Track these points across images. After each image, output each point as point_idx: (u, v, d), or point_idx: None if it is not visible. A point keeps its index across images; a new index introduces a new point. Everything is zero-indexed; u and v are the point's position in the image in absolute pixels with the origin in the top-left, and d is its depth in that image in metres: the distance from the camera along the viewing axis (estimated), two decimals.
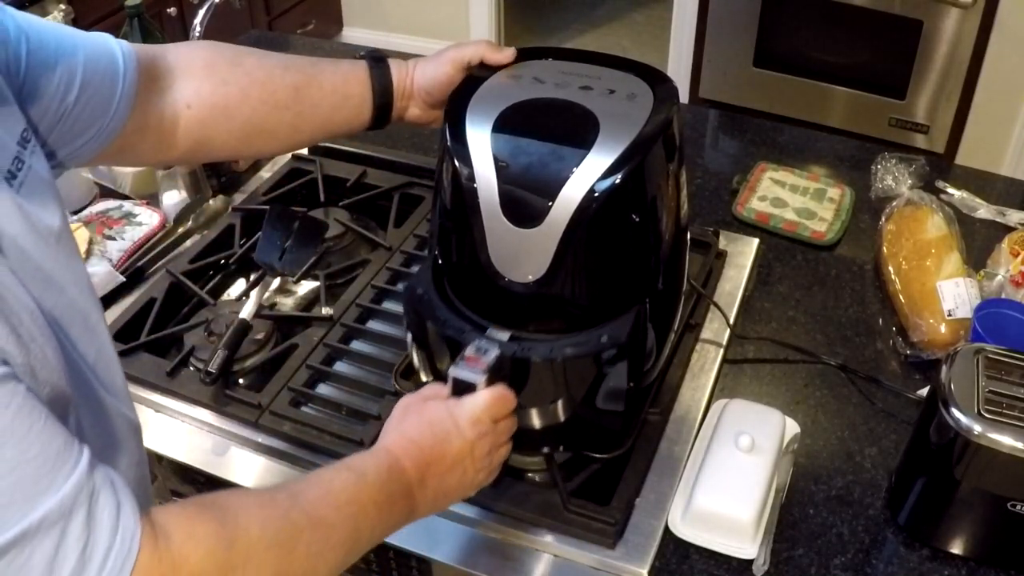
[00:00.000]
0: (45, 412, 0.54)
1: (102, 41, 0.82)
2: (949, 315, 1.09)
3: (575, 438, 0.94)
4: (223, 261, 1.28)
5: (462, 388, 0.80)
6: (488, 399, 0.80)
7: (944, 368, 0.87)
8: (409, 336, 0.92)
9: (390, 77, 0.98)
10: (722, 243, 1.26)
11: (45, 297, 0.61)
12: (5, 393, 0.51)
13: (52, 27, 0.77)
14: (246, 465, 1.02)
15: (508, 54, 0.92)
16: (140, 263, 1.26)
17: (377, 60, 0.98)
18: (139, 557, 0.54)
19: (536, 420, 0.89)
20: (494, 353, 0.81)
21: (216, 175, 1.43)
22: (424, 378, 0.93)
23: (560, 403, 0.88)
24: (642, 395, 1.00)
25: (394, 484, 0.73)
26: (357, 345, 1.13)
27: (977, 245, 1.27)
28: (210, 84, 0.89)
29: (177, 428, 1.05)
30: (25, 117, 0.70)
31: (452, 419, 0.78)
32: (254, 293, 1.16)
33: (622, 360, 0.84)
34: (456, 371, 0.80)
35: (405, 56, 1.04)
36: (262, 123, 0.92)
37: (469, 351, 0.81)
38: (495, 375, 0.80)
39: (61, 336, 0.62)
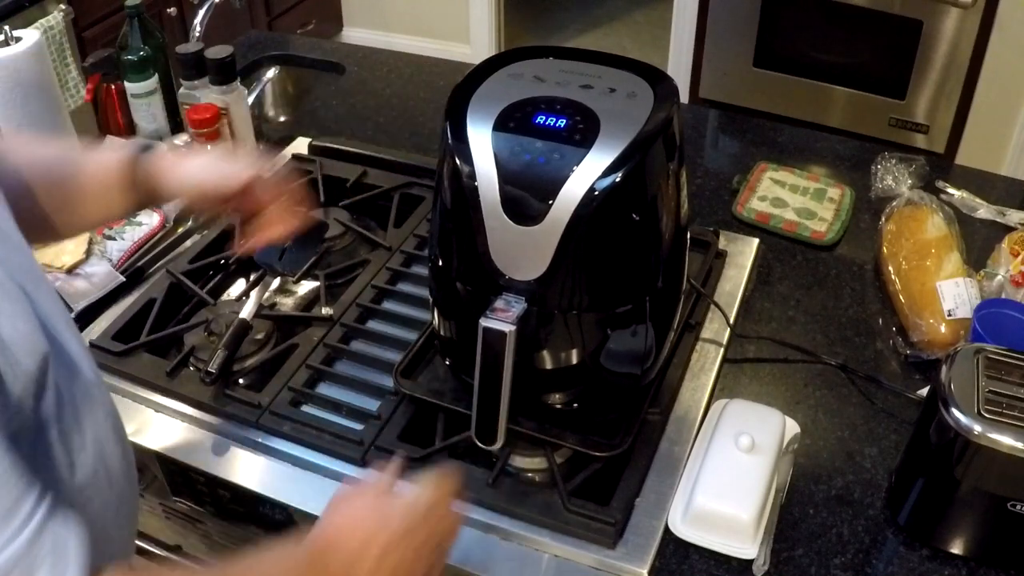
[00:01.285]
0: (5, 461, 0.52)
1: None
2: (949, 315, 1.09)
3: (593, 397, 0.96)
4: (223, 261, 1.28)
5: (492, 338, 0.82)
6: (427, 495, 0.78)
7: (944, 368, 0.87)
8: (432, 305, 0.94)
9: (152, 174, 0.95)
10: (722, 243, 1.26)
11: (9, 258, 0.62)
12: None
13: None
14: (246, 465, 1.02)
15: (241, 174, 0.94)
16: (140, 263, 1.26)
17: (144, 149, 0.96)
18: None
19: (558, 373, 0.91)
20: (522, 306, 0.83)
21: None
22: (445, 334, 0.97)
23: (581, 358, 0.90)
24: (642, 395, 1.00)
25: (318, 570, 0.71)
26: (357, 345, 1.13)
27: (977, 245, 1.27)
28: None
29: (177, 428, 1.05)
30: None
31: (379, 514, 0.75)
32: (254, 293, 1.16)
33: (642, 321, 0.87)
34: (486, 322, 0.82)
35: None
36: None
37: (498, 303, 0.83)
38: (523, 327, 0.82)
39: (27, 292, 0.63)
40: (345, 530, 0.74)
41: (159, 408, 1.07)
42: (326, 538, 0.74)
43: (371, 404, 1.04)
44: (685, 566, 0.90)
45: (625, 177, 0.79)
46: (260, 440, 1.02)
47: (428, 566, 0.76)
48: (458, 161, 0.83)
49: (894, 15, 2.44)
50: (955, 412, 0.83)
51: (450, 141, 0.84)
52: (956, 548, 0.90)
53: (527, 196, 0.80)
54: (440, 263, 0.90)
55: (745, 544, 0.89)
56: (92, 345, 1.12)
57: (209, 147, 0.91)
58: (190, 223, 1.33)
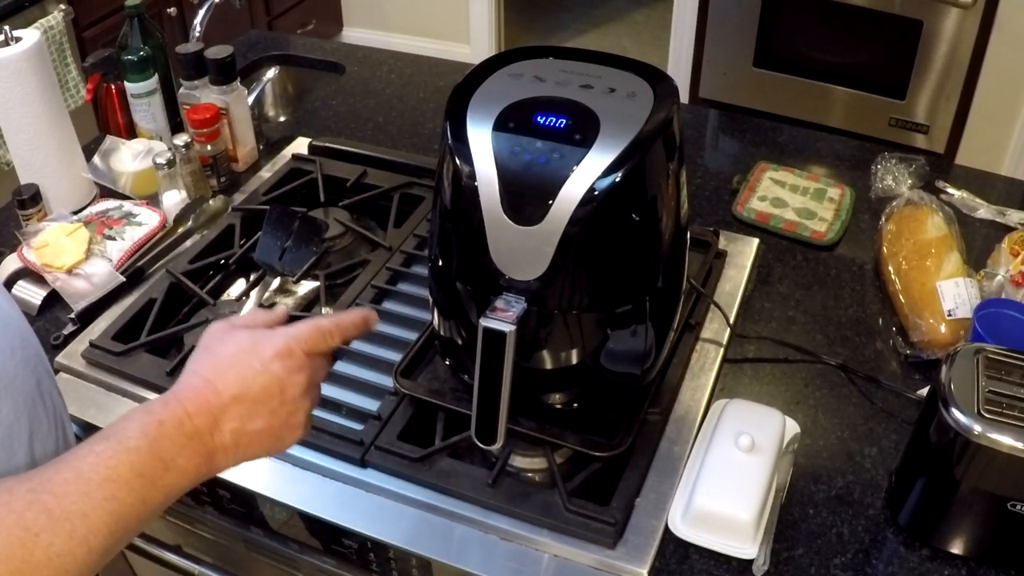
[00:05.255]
0: None
1: None
2: (949, 315, 1.09)
3: (593, 397, 0.96)
4: (223, 261, 1.28)
5: (492, 338, 0.81)
6: (304, 329, 0.73)
7: (944, 368, 0.87)
8: (432, 305, 0.93)
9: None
10: (722, 243, 1.26)
11: None
12: None
13: None
14: (246, 465, 1.01)
15: None
16: (140, 263, 1.26)
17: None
18: None
19: (558, 373, 0.90)
20: (522, 305, 0.82)
21: (216, 175, 1.43)
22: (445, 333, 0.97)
23: (581, 358, 0.90)
24: (642, 395, 1.00)
25: (167, 441, 0.65)
26: (357, 345, 1.13)
27: (977, 245, 1.27)
28: None
29: None
30: None
31: (257, 353, 0.71)
32: (254, 293, 1.16)
33: (642, 321, 0.86)
34: (486, 322, 0.81)
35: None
36: None
37: (499, 303, 0.83)
38: (522, 327, 0.82)
39: None
40: (212, 377, 0.69)
41: None
42: (193, 388, 0.68)
43: (371, 404, 1.04)
44: (685, 566, 0.90)
45: (625, 177, 0.79)
46: None
47: (298, 420, 0.73)
48: (458, 161, 0.83)
49: (894, 15, 2.44)
50: (955, 412, 0.83)
51: (450, 141, 0.84)
52: (956, 548, 0.90)
53: (527, 196, 0.80)
54: (440, 263, 0.90)
55: (745, 544, 0.89)
56: (92, 345, 1.12)
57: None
58: (190, 223, 1.33)
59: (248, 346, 0.71)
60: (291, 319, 0.76)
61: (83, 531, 0.59)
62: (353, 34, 3.95)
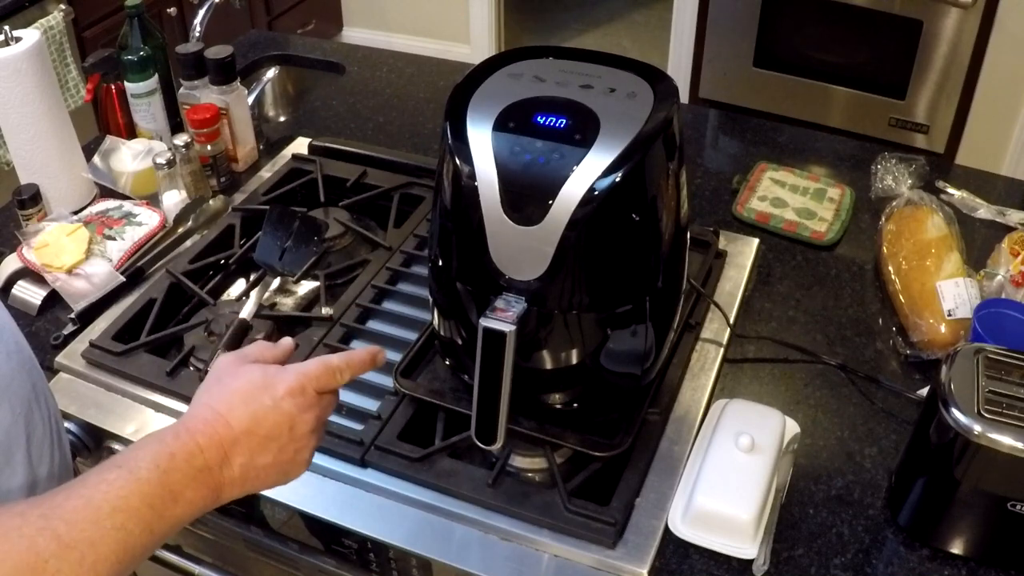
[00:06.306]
0: None
1: None
2: (949, 315, 1.09)
3: (593, 397, 0.96)
4: (223, 261, 1.28)
5: (492, 338, 0.81)
6: (315, 368, 0.74)
7: (944, 368, 0.87)
8: (432, 305, 0.93)
9: None
10: (722, 243, 1.26)
11: None
12: None
13: None
14: None
15: None
16: (140, 263, 1.26)
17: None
18: None
19: (558, 373, 0.90)
20: (522, 305, 0.82)
21: (216, 175, 1.43)
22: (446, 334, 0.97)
23: (581, 358, 0.90)
24: (642, 395, 1.00)
25: (178, 474, 0.65)
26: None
27: (977, 245, 1.27)
28: None
29: None
30: None
31: (269, 389, 0.71)
32: (254, 293, 1.16)
33: (642, 321, 0.87)
34: (486, 322, 0.81)
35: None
36: None
37: (499, 303, 0.83)
38: (522, 327, 0.82)
39: None
40: (224, 411, 0.70)
41: (159, 408, 1.07)
42: (203, 421, 0.69)
43: (371, 404, 1.04)
44: (685, 566, 0.90)
45: (625, 177, 0.79)
46: None
47: (304, 457, 0.74)
48: (458, 161, 0.83)
49: (894, 15, 2.44)
50: (955, 412, 0.83)
51: (450, 141, 0.84)
52: (956, 548, 0.90)
53: (527, 196, 0.80)
54: (440, 263, 0.90)
55: (745, 544, 0.89)
56: (92, 345, 1.12)
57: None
58: (190, 223, 1.33)
59: (260, 382, 0.72)
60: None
61: (91, 559, 0.59)
62: (353, 34, 3.95)
